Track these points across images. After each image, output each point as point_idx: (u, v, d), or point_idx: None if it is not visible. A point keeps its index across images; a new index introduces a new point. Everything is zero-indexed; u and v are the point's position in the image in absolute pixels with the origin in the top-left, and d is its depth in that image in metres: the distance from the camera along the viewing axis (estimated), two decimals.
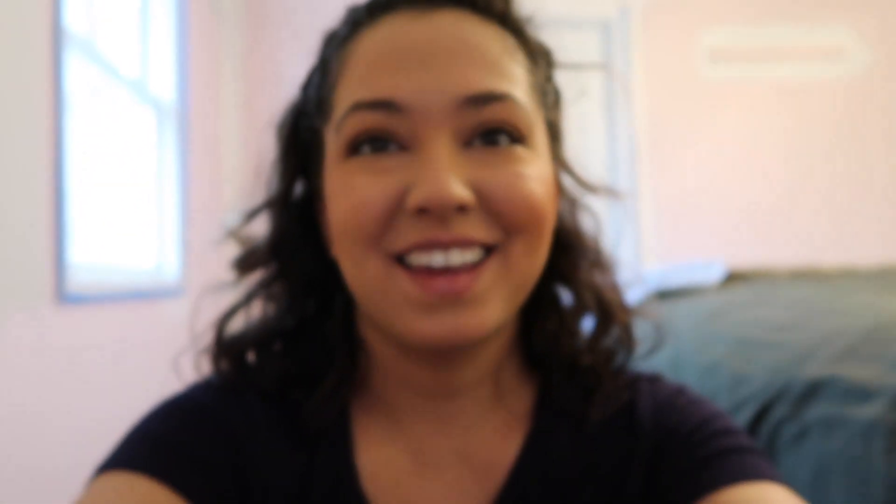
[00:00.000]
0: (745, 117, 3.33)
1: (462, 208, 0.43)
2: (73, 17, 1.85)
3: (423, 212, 0.43)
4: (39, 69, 1.64)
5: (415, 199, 0.42)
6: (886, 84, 3.38)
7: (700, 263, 1.66)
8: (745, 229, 3.27)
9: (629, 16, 3.31)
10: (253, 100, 3.15)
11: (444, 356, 0.49)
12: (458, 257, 0.43)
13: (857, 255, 3.16)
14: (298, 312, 0.55)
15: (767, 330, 0.99)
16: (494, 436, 0.53)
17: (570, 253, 0.55)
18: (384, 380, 0.53)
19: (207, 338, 0.55)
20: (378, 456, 0.52)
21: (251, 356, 0.55)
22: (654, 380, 0.56)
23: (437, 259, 0.43)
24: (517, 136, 0.46)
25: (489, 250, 0.45)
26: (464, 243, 0.43)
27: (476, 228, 0.44)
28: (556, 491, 0.51)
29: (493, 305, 0.44)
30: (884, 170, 3.36)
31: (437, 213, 0.42)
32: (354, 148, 0.46)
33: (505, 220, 0.44)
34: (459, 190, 0.42)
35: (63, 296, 1.67)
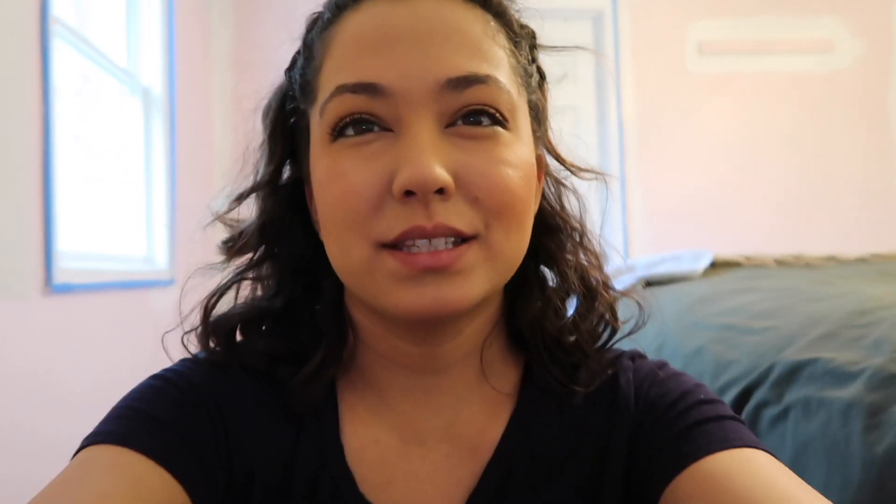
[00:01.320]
0: (733, 110, 3.35)
1: (442, 191, 0.43)
2: (61, 5, 1.83)
3: (408, 194, 0.43)
4: (27, 58, 1.63)
5: (398, 182, 0.43)
6: (875, 77, 3.41)
7: (688, 254, 1.68)
8: (733, 220, 3.29)
9: (619, 7, 3.31)
10: (243, 88, 3.14)
11: (429, 331, 0.50)
12: (441, 244, 0.44)
13: (844, 246, 3.19)
14: (287, 294, 0.55)
15: (751, 317, 1.00)
16: (480, 413, 0.53)
17: (555, 234, 0.56)
18: (371, 358, 0.53)
19: (195, 318, 0.55)
20: (364, 433, 0.52)
21: (238, 335, 0.56)
22: (635, 356, 0.57)
23: (422, 247, 0.44)
24: (499, 119, 0.46)
25: (470, 239, 0.46)
26: (445, 233, 0.44)
27: (457, 216, 0.44)
28: (542, 467, 0.52)
29: (475, 279, 0.45)
30: (872, 162, 3.39)
31: (420, 195, 0.43)
32: (339, 131, 0.46)
33: (483, 206, 0.45)
34: (440, 172, 0.43)
35: (52, 285, 1.67)
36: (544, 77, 0.56)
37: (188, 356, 0.55)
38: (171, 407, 0.48)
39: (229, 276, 0.56)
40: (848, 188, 3.37)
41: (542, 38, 0.56)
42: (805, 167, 3.36)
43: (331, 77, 0.47)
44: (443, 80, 0.45)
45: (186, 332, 0.55)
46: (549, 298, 0.55)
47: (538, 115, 0.54)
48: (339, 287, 0.54)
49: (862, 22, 3.41)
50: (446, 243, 0.44)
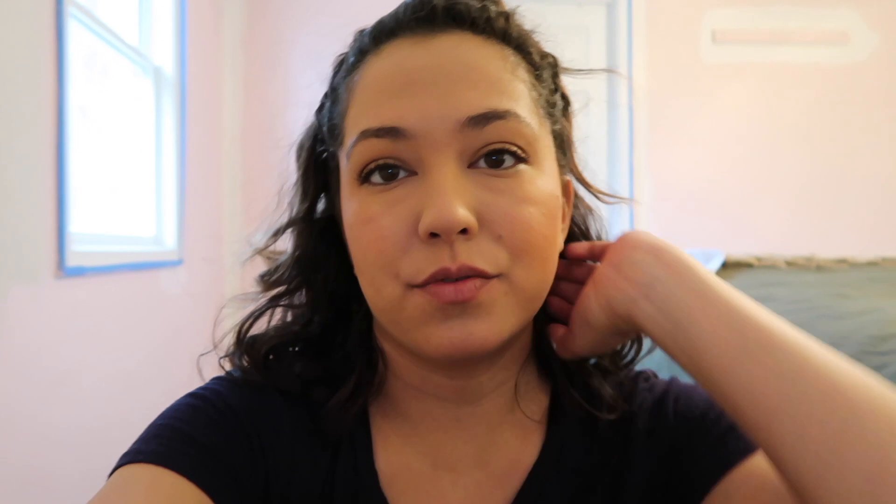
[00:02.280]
0: (747, 100, 3.32)
1: (466, 231, 0.44)
2: None
3: (433, 235, 0.44)
4: (42, 40, 1.62)
5: (423, 225, 0.44)
6: (891, 69, 3.37)
7: (699, 254, 1.68)
8: (744, 213, 3.29)
9: None
10: (254, 70, 3.12)
11: (461, 365, 0.51)
12: (468, 284, 0.45)
13: (856, 241, 3.19)
14: (321, 320, 0.56)
15: None
16: (512, 440, 0.54)
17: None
18: (402, 387, 0.54)
19: (229, 340, 0.56)
20: (397, 460, 0.53)
21: (271, 359, 0.56)
22: (649, 377, 0.59)
23: (448, 291, 0.45)
24: (521, 154, 0.47)
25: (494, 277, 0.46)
26: (469, 273, 0.44)
27: (481, 255, 0.45)
28: (571, 494, 0.53)
29: (501, 314, 0.46)
30: (886, 157, 3.37)
31: (444, 236, 0.44)
32: (366, 175, 0.47)
33: (506, 243, 0.46)
34: (463, 213, 0.44)
35: (65, 268, 1.68)
36: (569, 104, 0.57)
37: (221, 375, 0.55)
38: (211, 428, 0.49)
39: (264, 302, 0.57)
40: (861, 183, 3.36)
41: (563, 60, 0.56)
42: (818, 161, 3.34)
43: (355, 122, 0.49)
44: (463, 119, 0.45)
45: (223, 357, 0.56)
46: None
47: (563, 144, 0.54)
48: (368, 316, 0.55)
49: (879, 14, 3.37)
50: (472, 281, 0.45)
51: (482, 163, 0.46)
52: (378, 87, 0.48)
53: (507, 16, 0.51)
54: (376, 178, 0.47)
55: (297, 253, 0.56)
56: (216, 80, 2.98)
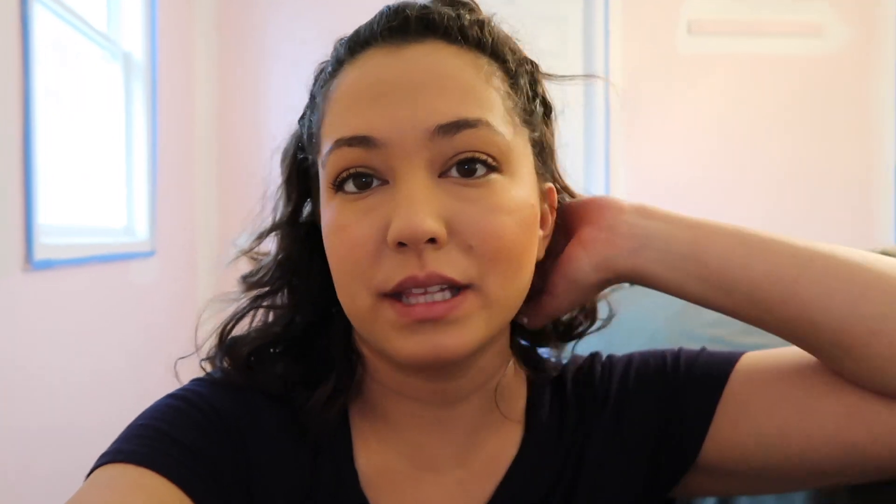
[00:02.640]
0: (723, 91, 3.34)
1: (434, 241, 0.44)
2: None
3: (401, 245, 0.44)
4: (6, 25, 1.57)
5: (391, 234, 0.44)
6: (863, 62, 3.42)
7: None
8: (720, 205, 3.32)
9: None
10: (227, 56, 3.06)
11: (437, 370, 0.51)
12: (436, 292, 0.45)
13: (829, 230, 3.25)
14: (302, 321, 0.57)
15: (740, 330, 1.01)
16: (492, 438, 0.55)
17: None
18: (381, 390, 0.55)
19: (210, 342, 0.56)
20: (377, 460, 0.54)
21: (252, 360, 0.57)
22: (600, 357, 0.62)
23: (418, 296, 0.45)
24: (493, 164, 0.47)
25: (465, 288, 0.46)
26: (438, 281, 0.45)
27: (450, 265, 0.45)
28: (549, 485, 0.55)
29: (472, 327, 0.46)
30: (857, 147, 3.42)
31: (411, 245, 0.44)
32: (340, 184, 0.48)
33: (477, 253, 0.46)
34: (430, 223, 0.44)
35: (33, 262, 1.64)
36: (550, 110, 0.57)
37: (202, 376, 0.55)
38: (193, 429, 0.48)
39: (246, 303, 0.57)
40: (835, 174, 3.41)
41: (544, 66, 0.56)
42: (793, 153, 3.38)
43: (329, 130, 0.49)
44: (433, 127, 0.45)
45: (203, 359, 0.56)
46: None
47: (542, 152, 0.54)
48: (347, 320, 0.55)
49: (851, 8, 3.41)
50: (442, 291, 0.45)
51: (454, 172, 0.46)
52: (351, 96, 0.48)
53: (482, 24, 0.51)
54: (350, 186, 0.47)
55: (279, 256, 0.56)
56: (188, 66, 2.93)
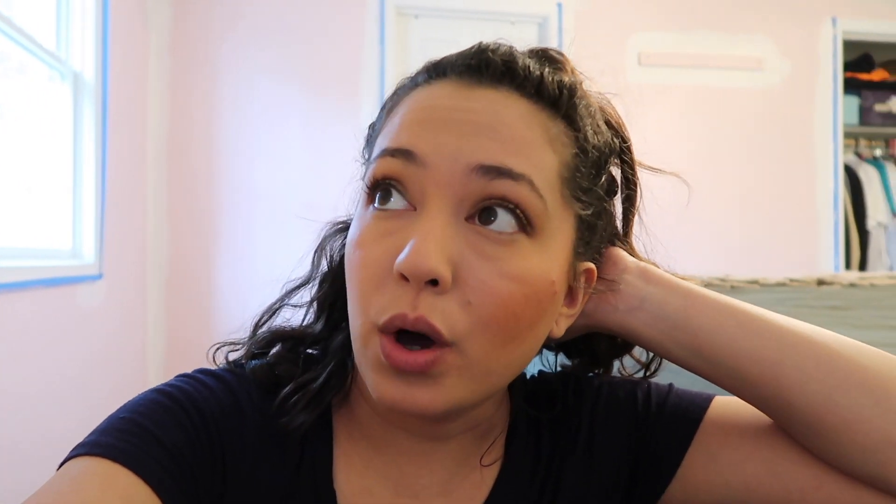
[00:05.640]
0: (671, 122, 3.45)
1: (436, 283, 0.43)
2: None
3: (404, 277, 0.43)
4: None
5: (397, 263, 0.43)
6: (803, 94, 3.57)
7: None
8: (669, 227, 3.39)
9: (564, 14, 3.36)
10: (179, 78, 3.03)
11: (416, 419, 0.51)
12: (417, 345, 0.44)
13: (774, 257, 3.35)
14: (324, 324, 0.57)
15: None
16: (475, 470, 0.55)
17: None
18: (369, 412, 0.53)
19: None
20: (358, 483, 0.53)
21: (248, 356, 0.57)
22: (568, 379, 0.61)
23: (400, 358, 0.44)
24: (523, 223, 0.45)
25: (447, 346, 0.45)
26: (425, 328, 0.43)
27: (442, 315, 0.44)
28: None
29: (447, 387, 0.45)
30: (798, 174, 3.56)
31: (413, 281, 0.43)
32: (372, 189, 0.48)
33: (473, 312, 0.44)
34: (435, 263, 0.43)
35: None
36: (615, 192, 0.56)
37: (189, 372, 0.53)
38: (174, 427, 0.47)
39: (277, 301, 0.59)
40: (779, 199, 3.53)
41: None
42: (740, 179, 3.49)
43: (382, 142, 0.49)
44: (474, 164, 0.44)
45: (218, 346, 0.57)
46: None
47: (590, 230, 0.52)
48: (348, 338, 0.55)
49: (791, 43, 3.57)
50: (423, 341, 0.44)
51: (477, 220, 0.45)
52: (410, 116, 0.48)
53: (564, 86, 0.49)
54: (381, 197, 0.47)
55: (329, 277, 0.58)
56: (141, 87, 2.88)
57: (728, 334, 0.51)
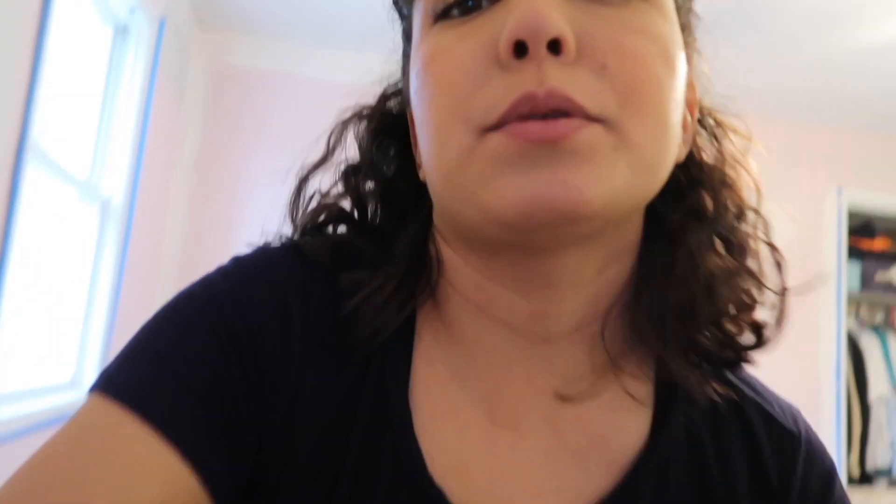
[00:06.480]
0: None
1: (558, 48, 0.34)
2: (39, 130, 1.72)
3: (517, 52, 0.35)
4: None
5: (506, 32, 0.34)
6: (807, 261, 3.62)
7: None
8: None
9: None
10: (201, 199, 3.02)
11: (540, 264, 0.39)
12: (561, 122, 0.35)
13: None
14: (379, 217, 0.49)
15: None
16: (594, 409, 0.43)
17: (711, 191, 0.46)
18: (461, 305, 0.43)
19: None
20: (442, 401, 0.42)
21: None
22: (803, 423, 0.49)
23: (534, 128, 0.34)
24: None
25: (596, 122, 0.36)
26: (561, 103, 0.34)
27: (578, 84, 0.34)
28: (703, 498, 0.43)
29: (605, 167, 0.35)
30: (798, 346, 3.56)
31: (531, 48, 0.34)
32: (443, 13, 0.39)
33: (613, 77, 0.35)
34: (555, 19, 0.34)
35: None
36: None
37: (235, 257, 0.46)
38: (204, 356, 0.38)
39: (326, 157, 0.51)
40: (779, 369, 3.50)
41: None
42: None
43: None
44: None
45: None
46: (711, 275, 0.43)
47: (688, 29, 0.44)
48: (428, 221, 0.46)
49: (796, 209, 3.65)
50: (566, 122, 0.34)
51: None
52: None
53: None
54: (455, 12, 0.38)
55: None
56: (161, 204, 2.87)
57: None
